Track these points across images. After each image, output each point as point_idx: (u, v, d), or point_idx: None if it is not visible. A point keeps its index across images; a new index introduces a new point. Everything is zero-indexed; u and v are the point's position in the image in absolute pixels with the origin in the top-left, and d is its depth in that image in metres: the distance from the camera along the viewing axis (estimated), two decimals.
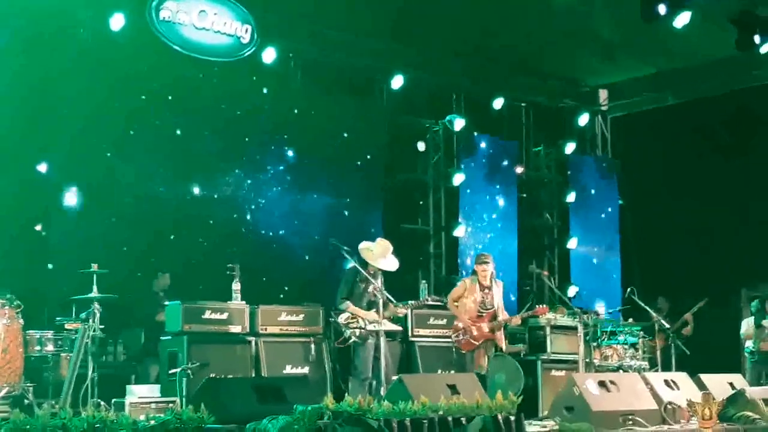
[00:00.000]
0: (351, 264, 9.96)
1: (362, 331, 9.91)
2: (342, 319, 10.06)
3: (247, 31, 12.29)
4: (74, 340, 9.55)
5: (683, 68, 15.51)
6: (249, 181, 13.24)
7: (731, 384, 9.60)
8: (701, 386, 9.14)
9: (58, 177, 11.55)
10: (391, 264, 10.18)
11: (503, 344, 10.36)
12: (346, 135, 13.99)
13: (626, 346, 12.40)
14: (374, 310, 9.85)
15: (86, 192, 11.64)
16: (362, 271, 9.86)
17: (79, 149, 11.56)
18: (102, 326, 9.65)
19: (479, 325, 10.16)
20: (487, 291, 10.32)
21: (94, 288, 9.57)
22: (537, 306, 11.06)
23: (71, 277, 10.16)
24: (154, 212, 12.14)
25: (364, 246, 10.14)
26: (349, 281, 10.09)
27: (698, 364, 11.19)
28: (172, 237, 12.27)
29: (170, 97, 12.33)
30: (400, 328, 11.23)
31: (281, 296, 11.61)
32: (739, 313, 14.75)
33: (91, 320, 9.48)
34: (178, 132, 12.48)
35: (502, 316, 10.30)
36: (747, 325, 13.75)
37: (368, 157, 14.31)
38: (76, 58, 11.48)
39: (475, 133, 15.56)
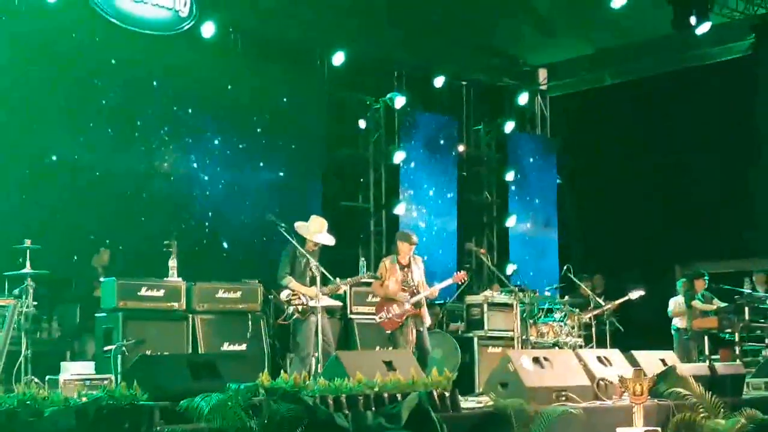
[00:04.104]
0: (290, 241, 9.92)
1: (304, 307, 9.89)
2: (283, 295, 10.00)
3: (185, 4, 12.21)
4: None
5: (620, 48, 15.70)
6: (188, 156, 13.14)
7: (663, 361, 9.72)
8: (633, 363, 9.24)
9: None
10: (329, 239, 10.18)
11: (427, 320, 10.38)
12: (286, 111, 13.94)
13: (562, 324, 12.54)
14: (315, 287, 9.83)
15: (21, 165, 11.45)
16: (300, 248, 9.84)
17: (13, 121, 11.37)
18: (35, 303, 9.53)
19: (401, 302, 10.20)
20: (406, 269, 10.35)
21: (27, 264, 9.44)
22: (455, 273, 11.08)
23: (4, 252, 9.99)
24: (90, 187, 12.00)
25: (299, 224, 10.12)
26: (290, 257, 10.03)
27: (633, 341, 11.36)
28: (109, 212, 12.13)
29: (108, 71, 12.19)
30: (339, 304, 11.24)
31: (218, 273, 11.51)
32: (673, 290, 15.01)
33: (24, 296, 9.36)
34: (116, 106, 12.33)
35: (423, 290, 10.34)
36: (674, 303, 13.99)
37: (308, 133, 14.27)
38: (10, 30, 11.27)
39: (416, 111, 15.59)
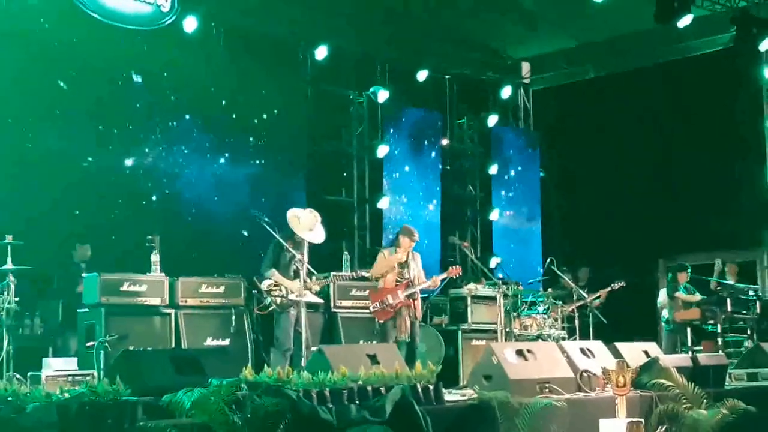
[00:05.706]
0: (275, 236, 9.88)
1: (283, 299, 9.85)
2: (264, 285, 9.96)
3: None
4: None
5: (603, 41, 15.74)
6: (170, 151, 13.09)
7: (646, 352, 9.75)
8: (616, 354, 9.27)
9: None
10: (318, 236, 10.11)
11: (419, 313, 10.42)
12: (269, 105, 13.90)
13: (545, 316, 12.58)
14: (298, 280, 9.80)
15: (1, 161, 11.39)
16: (284, 243, 9.79)
17: None
18: (17, 299, 9.49)
19: (396, 293, 10.25)
20: (404, 263, 10.41)
21: (9, 260, 9.40)
22: (450, 267, 11.12)
23: None
24: (72, 182, 11.93)
25: (292, 214, 10.02)
26: (275, 250, 10.00)
27: (616, 332, 11.39)
28: (91, 207, 12.07)
29: (89, 66, 12.10)
30: (321, 301, 11.21)
31: (201, 267, 11.47)
32: (656, 282, 15.08)
33: (5, 292, 9.32)
34: (98, 101, 12.27)
35: (419, 282, 10.39)
36: (663, 295, 14.06)
37: (291, 127, 14.24)
38: None
39: (399, 105, 15.58)
